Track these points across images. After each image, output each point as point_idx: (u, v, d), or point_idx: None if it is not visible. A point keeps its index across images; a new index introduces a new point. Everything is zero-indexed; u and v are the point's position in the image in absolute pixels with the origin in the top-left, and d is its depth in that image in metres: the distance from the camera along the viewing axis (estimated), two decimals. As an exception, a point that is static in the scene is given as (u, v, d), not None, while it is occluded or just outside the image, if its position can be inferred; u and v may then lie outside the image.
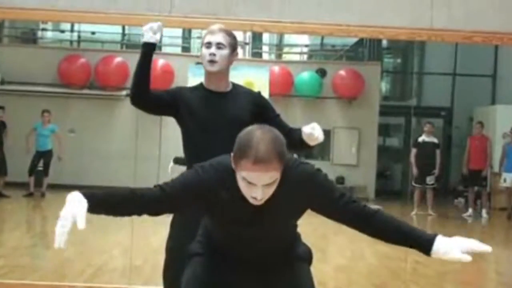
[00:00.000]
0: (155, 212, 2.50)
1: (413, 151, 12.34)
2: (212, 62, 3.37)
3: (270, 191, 2.37)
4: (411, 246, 2.49)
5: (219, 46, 3.37)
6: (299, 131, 3.38)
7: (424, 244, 2.44)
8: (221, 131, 3.32)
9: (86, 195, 2.38)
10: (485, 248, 2.40)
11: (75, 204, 2.39)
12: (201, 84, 3.50)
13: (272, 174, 2.31)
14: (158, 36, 3.41)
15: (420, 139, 12.44)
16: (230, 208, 2.48)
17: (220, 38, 3.39)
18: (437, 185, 12.69)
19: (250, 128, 2.38)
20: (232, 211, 2.49)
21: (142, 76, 3.50)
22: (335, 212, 2.52)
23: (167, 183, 2.49)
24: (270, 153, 2.28)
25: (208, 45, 3.38)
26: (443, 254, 2.40)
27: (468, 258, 2.38)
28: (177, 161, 6.90)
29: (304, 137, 3.33)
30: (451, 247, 2.40)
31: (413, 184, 12.29)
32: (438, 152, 12.39)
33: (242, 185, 2.36)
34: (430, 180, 12.22)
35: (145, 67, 3.49)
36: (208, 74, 3.43)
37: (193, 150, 3.42)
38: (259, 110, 3.46)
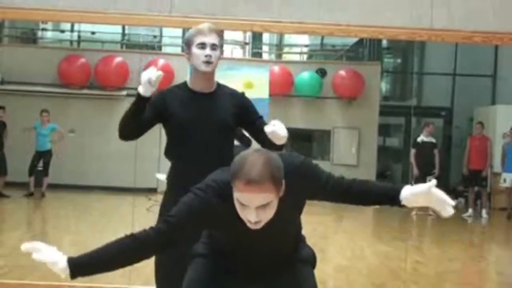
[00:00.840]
0: (163, 248, 2.49)
1: (412, 151, 12.36)
2: (208, 63, 3.39)
3: (267, 214, 2.36)
4: (383, 203, 2.60)
5: (213, 47, 3.40)
6: None
7: (391, 197, 2.55)
8: (204, 133, 3.34)
9: (71, 263, 2.43)
10: (449, 202, 2.55)
11: (54, 259, 2.45)
12: (185, 84, 3.50)
13: (265, 195, 2.30)
14: (154, 89, 3.36)
15: (419, 139, 12.45)
16: (233, 222, 2.46)
17: (214, 39, 3.41)
18: (438, 185, 12.63)
19: (246, 151, 2.39)
20: (235, 225, 2.47)
21: (133, 122, 3.41)
22: (327, 195, 2.58)
23: (170, 215, 2.47)
24: (262, 175, 2.28)
25: (202, 45, 3.39)
26: (412, 195, 2.52)
27: (434, 181, 2.56)
28: None
29: (270, 136, 3.29)
30: (416, 187, 2.54)
31: (413, 183, 12.23)
32: (436, 151, 12.39)
33: (237, 207, 2.36)
34: (430, 180, 12.19)
35: (137, 115, 3.39)
36: (200, 75, 3.44)
37: (176, 152, 3.42)
38: (242, 111, 3.47)
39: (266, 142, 3.33)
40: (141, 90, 3.32)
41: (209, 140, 3.35)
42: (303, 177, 2.49)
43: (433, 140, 12.54)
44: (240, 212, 2.36)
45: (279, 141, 3.29)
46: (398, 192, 2.53)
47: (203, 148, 3.33)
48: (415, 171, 12.18)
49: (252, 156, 2.33)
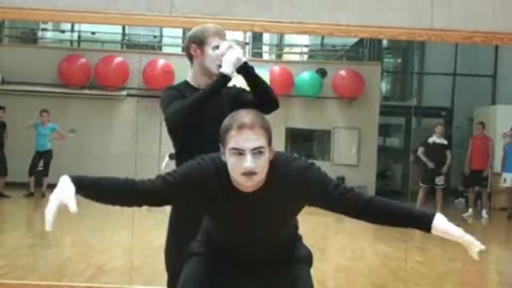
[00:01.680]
0: (156, 202, 2.53)
1: (421, 149, 12.30)
2: (220, 66, 3.36)
3: (260, 163, 2.38)
4: (410, 227, 2.56)
5: None
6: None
7: (423, 223, 2.51)
8: (214, 128, 3.32)
9: (73, 178, 2.44)
10: (479, 246, 2.46)
11: (62, 188, 2.41)
12: (188, 84, 3.46)
13: (258, 137, 2.38)
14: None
15: (430, 140, 12.39)
16: (227, 201, 2.49)
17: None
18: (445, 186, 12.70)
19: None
20: (228, 205, 2.50)
21: (203, 105, 3.28)
22: (331, 204, 2.54)
23: (169, 173, 2.53)
24: (253, 119, 2.41)
25: (218, 48, 3.37)
26: (443, 230, 2.48)
27: (474, 241, 2.46)
28: (172, 156, 6.89)
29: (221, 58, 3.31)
30: (451, 226, 2.48)
31: (420, 184, 12.26)
32: (448, 153, 12.34)
33: (232, 162, 2.40)
34: (439, 180, 12.21)
35: (213, 97, 3.30)
36: (208, 75, 3.41)
37: (186, 147, 3.39)
38: (238, 99, 3.43)
39: (261, 98, 3.37)
40: (228, 70, 3.27)
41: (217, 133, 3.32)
42: (306, 181, 2.49)
43: (445, 142, 12.49)
44: (235, 167, 2.39)
45: (226, 64, 3.28)
46: (430, 220, 2.50)
47: (210, 141, 3.32)
48: (429, 164, 12.12)
49: (240, 110, 2.48)
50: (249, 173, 2.38)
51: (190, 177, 2.49)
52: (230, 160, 2.40)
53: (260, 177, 2.41)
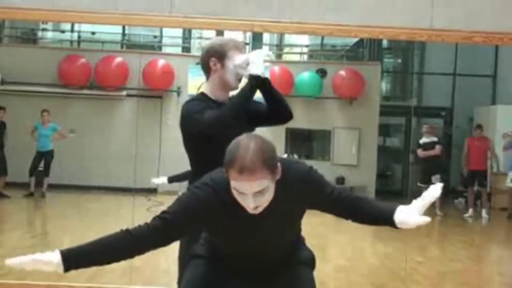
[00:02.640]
0: (157, 245, 2.49)
1: (419, 150, 12.64)
2: (240, 80, 3.35)
3: (264, 199, 2.37)
4: (383, 225, 2.62)
5: None
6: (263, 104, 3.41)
7: (389, 220, 2.54)
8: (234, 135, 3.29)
9: (65, 256, 2.44)
10: (435, 192, 2.51)
11: (47, 261, 2.47)
12: (206, 96, 3.39)
13: (260, 182, 2.31)
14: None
15: (421, 141, 12.61)
16: (230, 220, 2.47)
17: None
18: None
19: (238, 138, 2.40)
20: (232, 224, 2.48)
21: (243, 111, 3.26)
22: (329, 206, 2.59)
23: (165, 212, 2.47)
24: (255, 161, 2.29)
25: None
26: (404, 223, 2.51)
27: (427, 219, 2.51)
28: (171, 180, 6.78)
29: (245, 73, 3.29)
30: (409, 213, 2.51)
31: (419, 184, 12.35)
32: (437, 146, 12.51)
33: (235, 195, 2.37)
34: (435, 179, 12.28)
35: (250, 101, 3.30)
36: (227, 88, 3.38)
37: (213, 154, 3.34)
38: (252, 111, 3.41)
39: (277, 110, 3.38)
40: (258, 71, 3.25)
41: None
42: (308, 184, 2.51)
43: (435, 139, 12.69)
44: (239, 199, 2.38)
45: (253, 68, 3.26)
46: (391, 215, 2.54)
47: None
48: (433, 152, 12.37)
49: (243, 142, 2.34)
50: (254, 208, 2.37)
51: (188, 210, 2.44)
52: (234, 193, 2.37)
53: (265, 205, 2.39)
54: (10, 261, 2.37)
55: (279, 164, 2.39)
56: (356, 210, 2.58)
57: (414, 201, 2.53)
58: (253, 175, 2.29)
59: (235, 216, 2.44)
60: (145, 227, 2.44)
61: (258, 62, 3.26)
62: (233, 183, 2.33)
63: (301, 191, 2.48)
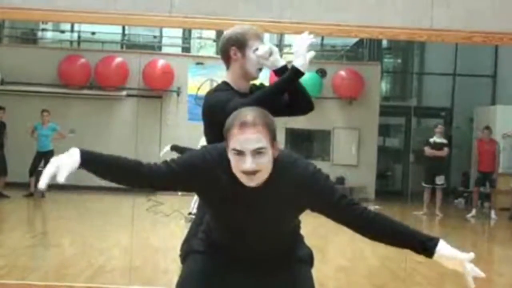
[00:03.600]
0: (157, 185, 2.56)
1: (427, 148, 12.65)
2: (260, 70, 3.36)
3: (262, 161, 2.37)
4: (412, 249, 2.53)
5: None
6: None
7: (426, 248, 2.48)
8: None
9: (82, 152, 2.44)
10: (479, 273, 2.50)
11: (66, 156, 2.41)
12: (229, 85, 3.36)
13: (259, 136, 2.36)
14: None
15: (431, 140, 12.60)
16: (229, 192, 2.49)
17: None
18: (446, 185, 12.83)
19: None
20: (230, 196, 2.50)
21: (275, 100, 3.28)
22: (335, 213, 2.54)
23: (173, 160, 2.54)
24: (256, 117, 2.38)
25: (257, 50, 3.34)
26: (446, 257, 2.48)
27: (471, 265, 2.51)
28: (174, 148, 6.94)
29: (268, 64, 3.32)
30: (455, 253, 2.49)
31: (423, 184, 12.41)
32: (445, 148, 12.58)
33: (233, 161, 2.40)
34: (439, 180, 12.33)
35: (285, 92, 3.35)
36: (248, 78, 3.38)
37: None
38: None
39: (299, 101, 3.42)
40: (301, 62, 3.27)
41: None
42: (314, 187, 2.49)
43: (445, 141, 12.75)
44: (237, 166, 2.39)
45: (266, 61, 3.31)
46: (434, 245, 2.49)
47: None
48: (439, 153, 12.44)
49: (244, 108, 2.48)
50: (250, 173, 2.38)
51: (194, 165, 2.50)
52: (232, 159, 2.41)
53: (262, 175, 2.40)
54: (42, 184, 2.37)
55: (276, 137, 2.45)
56: (373, 226, 2.51)
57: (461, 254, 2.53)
58: (254, 128, 2.35)
59: (234, 190, 2.47)
60: (154, 165, 2.53)
61: (302, 52, 3.25)
62: (232, 143, 2.37)
63: (302, 189, 2.48)
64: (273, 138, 2.42)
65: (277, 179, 2.44)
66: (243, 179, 2.40)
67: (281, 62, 3.33)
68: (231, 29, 3.42)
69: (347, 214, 2.51)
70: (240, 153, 2.36)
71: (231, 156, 2.40)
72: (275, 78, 3.42)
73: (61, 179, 2.36)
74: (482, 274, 2.47)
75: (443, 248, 2.48)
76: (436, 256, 2.47)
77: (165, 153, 7.46)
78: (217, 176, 2.48)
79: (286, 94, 3.41)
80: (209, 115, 3.29)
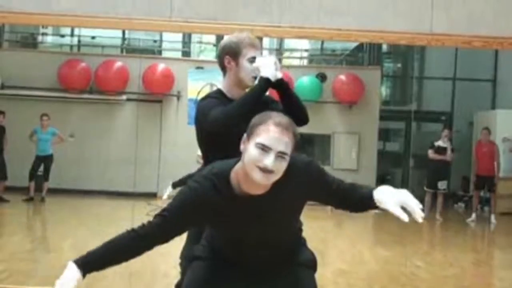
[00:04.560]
0: (164, 241, 2.54)
1: (431, 151, 12.64)
2: (255, 78, 3.34)
3: (280, 167, 2.39)
4: (366, 208, 2.65)
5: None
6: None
7: (368, 200, 2.58)
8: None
9: (78, 264, 2.49)
10: (417, 210, 2.49)
11: (66, 274, 2.49)
12: (222, 93, 3.40)
13: (288, 141, 2.39)
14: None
15: (436, 144, 12.59)
16: (229, 211, 2.49)
17: (259, 53, 3.41)
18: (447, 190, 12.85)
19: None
20: (232, 213, 2.50)
21: (249, 110, 3.20)
22: (329, 197, 2.62)
23: (165, 210, 2.52)
24: (289, 123, 2.43)
25: (253, 60, 3.34)
26: (380, 203, 2.53)
27: (405, 217, 2.49)
28: (176, 185, 6.84)
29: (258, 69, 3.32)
30: (387, 198, 2.52)
31: (425, 188, 12.41)
32: (450, 154, 12.56)
33: (253, 154, 2.38)
34: (442, 185, 12.33)
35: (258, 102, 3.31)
36: (243, 86, 3.38)
37: (223, 148, 3.33)
38: (270, 105, 3.45)
39: (292, 113, 3.37)
40: (269, 74, 3.27)
41: None
42: (310, 175, 2.54)
43: (450, 146, 12.74)
44: (257, 160, 2.37)
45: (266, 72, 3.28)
46: (371, 196, 2.57)
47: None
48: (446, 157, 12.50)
49: (277, 113, 2.50)
50: (266, 171, 2.37)
51: (186, 205, 2.49)
52: (253, 152, 2.38)
53: (274, 178, 2.41)
54: None
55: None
56: (350, 200, 2.63)
57: (403, 191, 2.55)
58: (287, 132, 2.39)
59: (234, 205, 2.47)
60: (148, 225, 2.51)
61: (268, 65, 3.27)
62: (262, 138, 2.37)
63: (301, 181, 2.51)
64: (295, 146, 2.46)
65: (279, 182, 2.44)
66: (257, 175, 2.38)
67: (278, 75, 3.31)
68: (227, 37, 3.47)
69: (340, 195, 2.61)
70: (266, 148, 2.36)
71: (253, 149, 2.38)
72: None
73: None
74: (405, 218, 2.48)
75: (378, 198, 2.55)
76: (378, 204, 2.55)
77: (169, 194, 7.36)
78: (214, 202, 2.48)
79: (284, 108, 3.41)
80: (196, 123, 3.36)
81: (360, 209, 2.66)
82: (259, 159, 2.37)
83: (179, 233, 2.57)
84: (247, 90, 3.39)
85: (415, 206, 2.49)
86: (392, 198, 2.51)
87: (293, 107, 3.40)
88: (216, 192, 2.47)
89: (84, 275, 2.49)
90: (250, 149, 2.39)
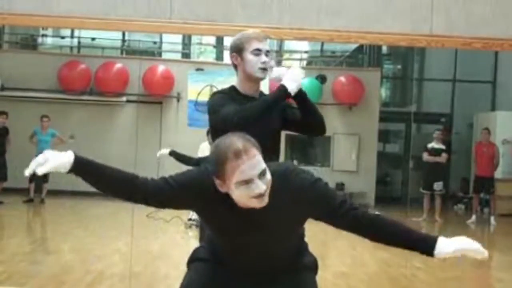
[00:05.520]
0: (153, 202, 2.51)
1: (425, 154, 12.63)
2: (264, 70, 3.37)
3: (267, 181, 2.35)
4: (413, 249, 2.56)
5: (267, 53, 3.38)
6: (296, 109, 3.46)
7: (426, 247, 2.52)
8: (260, 136, 3.29)
9: (77, 157, 2.45)
10: (482, 253, 2.49)
11: (59, 156, 2.42)
12: (235, 89, 3.44)
13: (258, 159, 2.32)
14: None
15: (429, 146, 12.60)
16: (227, 220, 2.47)
17: (267, 45, 3.42)
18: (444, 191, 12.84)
19: (215, 142, 2.42)
20: (229, 223, 2.48)
21: (264, 115, 3.30)
22: (336, 219, 2.52)
23: (171, 176, 2.50)
24: (243, 142, 2.32)
25: (258, 52, 3.37)
26: (446, 253, 2.52)
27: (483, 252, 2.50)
28: (173, 154, 6.86)
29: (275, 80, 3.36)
30: (454, 246, 2.52)
31: (421, 190, 12.42)
32: (444, 155, 12.49)
33: (242, 192, 2.34)
34: (437, 186, 12.33)
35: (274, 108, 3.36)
36: (253, 81, 3.41)
37: None
38: (283, 111, 3.49)
39: (309, 123, 3.44)
40: (291, 87, 3.30)
41: (263, 144, 3.22)
42: (314, 196, 2.47)
43: (443, 147, 12.70)
44: (247, 195, 2.34)
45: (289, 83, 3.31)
46: (433, 247, 2.53)
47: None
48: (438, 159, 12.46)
49: (223, 139, 2.37)
50: (260, 196, 2.35)
51: (193, 182, 2.46)
52: (239, 192, 2.34)
53: (268, 192, 2.38)
54: (27, 171, 2.42)
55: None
56: (374, 229, 2.52)
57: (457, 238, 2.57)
58: (250, 152, 2.31)
59: (232, 215, 2.44)
60: (150, 180, 2.49)
61: (295, 80, 3.31)
62: (237, 178, 2.31)
63: (303, 200, 2.46)
64: (260, 150, 2.39)
65: (277, 193, 2.40)
66: (254, 203, 2.36)
67: (292, 89, 3.33)
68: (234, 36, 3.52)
69: (349, 219, 2.50)
70: (248, 182, 2.32)
71: (238, 189, 2.34)
72: (274, 83, 3.44)
73: (41, 170, 2.38)
74: (485, 254, 2.50)
75: (442, 248, 2.52)
76: (437, 255, 2.52)
77: (162, 155, 7.39)
78: (214, 206, 2.46)
79: (299, 112, 3.46)
80: (208, 115, 3.39)
81: (390, 244, 2.59)
82: (248, 193, 2.34)
83: (169, 202, 2.52)
84: (259, 86, 3.43)
85: (475, 248, 2.51)
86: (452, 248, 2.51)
87: (311, 116, 3.45)
88: (219, 201, 2.43)
89: (71, 170, 2.44)
90: (235, 191, 2.35)
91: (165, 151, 6.92)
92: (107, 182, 2.50)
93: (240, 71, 3.44)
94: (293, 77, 3.33)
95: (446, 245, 2.51)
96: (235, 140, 2.33)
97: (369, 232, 2.53)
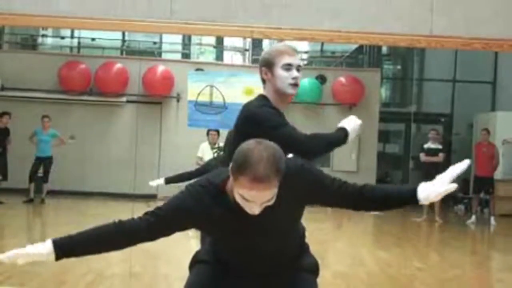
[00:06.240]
0: (148, 240, 2.49)
1: (422, 155, 12.63)
2: (295, 85, 3.26)
3: (268, 203, 2.34)
4: (401, 206, 2.62)
5: (299, 68, 3.29)
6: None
7: (409, 199, 2.55)
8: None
9: (58, 246, 2.44)
10: (463, 165, 2.54)
11: (40, 246, 2.42)
12: (268, 100, 3.28)
13: (271, 191, 2.28)
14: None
15: (426, 146, 12.59)
16: (226, 222, 2.47)
17: (298, 60, 3.33)
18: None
19: (249, 142, 2.32)
20: (228, 225, 2.48)
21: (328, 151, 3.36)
22: (330, 197, 2.56)
23: (159, 208, 2.48)
24: (269, 172, 2.23)
25: (289, 67, 3.25)
26: (427, 198, 2.51)
27: (454, 185, 2.51)
28: (169, 181, 6.75)
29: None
30: (434, 189, 2.52)
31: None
32: (441, 154, 12.48)
33: (239, 200, 2.33)
34: None
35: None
36: (284, 96, 3.30)
37: None
38: None
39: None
40: (352, 136, 3.40)
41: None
42: (304, 180, 2.48)
43: (439, 146, 12.67)
44: (241, 203, 2.33)
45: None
46: (415, 196, 2.54)
47: None
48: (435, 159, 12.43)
49: (256, 151, 2.26)
50: (255, 211, 2.34)
51: (180, 208, 2.45)
52: (238, 198, 2.33)
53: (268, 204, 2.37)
54: (1, 257, 2.36)
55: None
56: (365, 197, 2.56)
57: (438, 176, 2.56)
58: (267, 185, 2.24)
59: (232, 218, 2.43)
60: (138, 220, 2.45)
61: (355, 131, 3.41)
62: (240, 191, 2.28)
63: (297, 185, 2.45)
64: (281, 175, 2.31)
65: (278, 194, 2.37)
66: (246, 210, 2.35)
67: (351, 137, 3.42)
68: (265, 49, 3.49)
69: (341, 195, 2.55)
70: (248, 200, 2.30)
71: (237, 196, 2.33)
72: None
73: (20, 261, 2.38)
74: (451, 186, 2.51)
75: (423, 193, 2.53)
76: (422, 202, 2.53)
77: (159, 186, 7.26)
78: (209, 212, 2.45)
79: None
80: (241, 126, 3.18)
81: (383, 207, 2.63)
82: (243, 205, 2.34)
83: (166, 234, 2.52)
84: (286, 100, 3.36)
85: (451, 175, 2.54)
86: (434, 189, 2.52)
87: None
88: (216, 202, 2.43)
89: (57, 258, 2.42)
90: (235, 192, 2.33)
91: (160, 181, 6.82)
92: (99, 246, 2.49)
93: (269, 85, 3.31)
94: (356, 127, 3.42)
95: (427, 189, 2.54)
96: (264, 162, 2.24)
97: (361, 204, 2.59)
